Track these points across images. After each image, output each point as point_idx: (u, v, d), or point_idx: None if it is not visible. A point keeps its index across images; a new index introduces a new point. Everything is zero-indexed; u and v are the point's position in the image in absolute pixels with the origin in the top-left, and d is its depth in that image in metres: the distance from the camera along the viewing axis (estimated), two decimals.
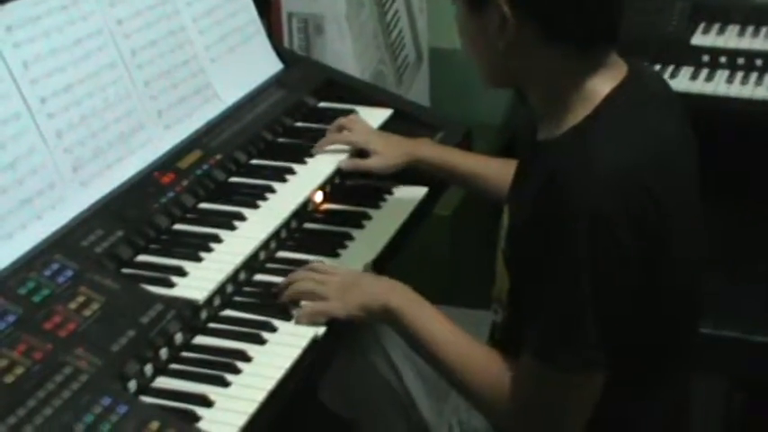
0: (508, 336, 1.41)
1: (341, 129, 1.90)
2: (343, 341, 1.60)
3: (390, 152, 1.83)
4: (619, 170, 1.22)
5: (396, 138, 1.88)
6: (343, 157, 1.85)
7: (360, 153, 1.86)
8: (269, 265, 1.64)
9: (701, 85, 2.37)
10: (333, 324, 1.49)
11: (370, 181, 1.87)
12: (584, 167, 1.22)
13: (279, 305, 1.52)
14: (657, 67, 2.43)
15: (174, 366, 1.41)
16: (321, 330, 1.48)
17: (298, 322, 1.49)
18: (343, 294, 1.50)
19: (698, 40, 2.46)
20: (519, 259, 1.35)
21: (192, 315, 1.45)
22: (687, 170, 1.34)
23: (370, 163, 1.83)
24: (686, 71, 2.42)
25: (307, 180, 1.79)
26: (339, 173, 1.85)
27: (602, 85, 1.30)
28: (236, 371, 1.39)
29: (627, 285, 1.24)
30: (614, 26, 1.30)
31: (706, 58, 2.44)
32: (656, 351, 1.33)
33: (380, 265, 1.68)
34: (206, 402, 1.33)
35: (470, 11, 1.32)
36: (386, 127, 2.01)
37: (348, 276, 1.55)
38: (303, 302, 1.51)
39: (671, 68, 2.43)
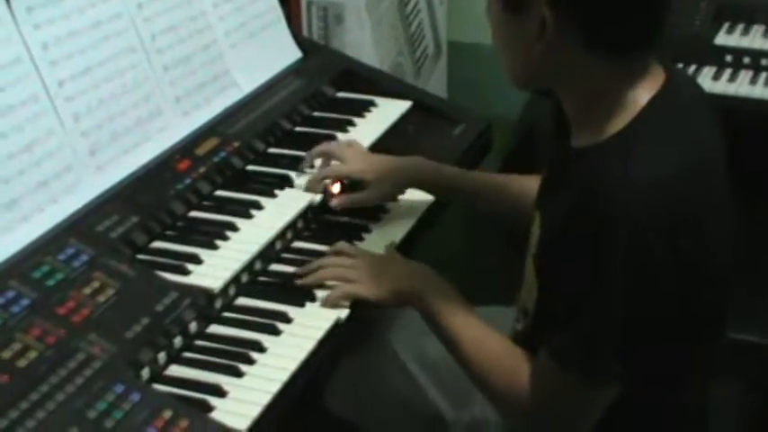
0: (529, 346, 1.38)
1: (328, 156, 1.75)
2: (355, 342, 1.59)
3: (384, 183, 1.72)
4: (661, 181, 1.19)
5: (388, 163, 1.74)
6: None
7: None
8: (285, 255, 1.62)
9: (723, 86, 2.34)
10: (349, 316, 1.48)
11: None
12: (626, 178, 1.19)
13: (295, 293, 1.50)
14: (679, 66, 2.40)
15: (187, 355, 1.39)
16: (344, 314, 1.47)
17: (324, 304, 1.48)
18: (374, 278, 1.50)
19: (721, 39, 2.43)
20: (552, 266, 1.31)
21: (206, 304, 1.44)
22: (723, 175, 1.32)
23: (364, 198, 1.71)
24: (708, 71, 2.39)
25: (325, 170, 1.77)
26: None
27: (641, 91, 1.26)
28: (250, 361, 1.37)
29: (660, 297, 1.22)
30: (657, 32, 1.26)
31: (729, 58, 2.41)
32: (679, 357, 1.31)
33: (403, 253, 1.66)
34: (219, 392, 1.32)
35: (508, 11, 1.27)
36: (405, 119, 1.99)
37: (377, 259, 1.55)
38: (332, 284, 1.51)
39: (693, 68, 2.41)
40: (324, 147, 1.77)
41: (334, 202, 1.70)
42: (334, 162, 1.74)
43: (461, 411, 1.62)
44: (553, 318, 1.29)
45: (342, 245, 1.59)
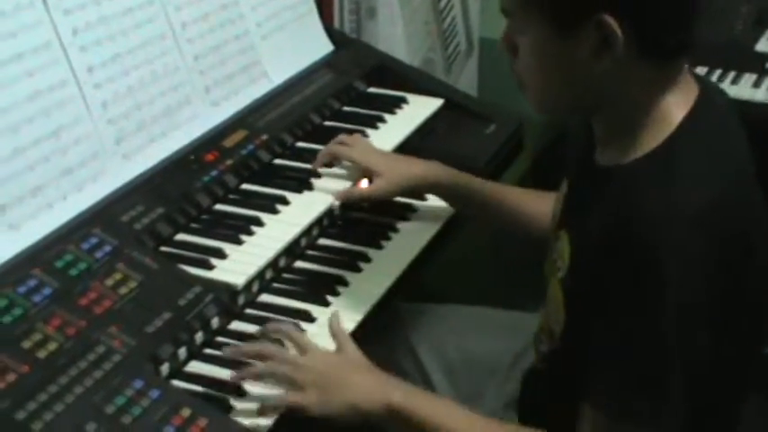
0: (557, 369, 1.32)
1: (337, 155, 1.72)
2: (374, 335, 1.55)
3: (393, 175, 1.64)
4: (706, 206, 1.13)
5: (402, 158, 1.70)
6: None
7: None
8: (310, 252, 1.60)
9: (763, 94, 2.28)
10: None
11: None
12: (670, 203, 1.12)
13: (319, 292, 1.47)
14: (718, 72, 2.35)
15: (208, 351, 1.37)
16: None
17: (259, 412, 1.26)
18: (324, 388, 1.27)
19: (763, 46, 2.38)
20: (586, 293, 1.21)
21: (229, 300, 1.41)
22: (757, 187, 1.26)
23: (367, 190, 1.65)
24: (748, 78, 2.34)
25: (351, 169, 1.74)
26: None
27: (676, 106, 1.20)
28: None
29: (713, 327, 1.16)
30: (695, 35, 1.20)
31: None
32: (726, 383, 1.26)
33: (426, 258, 1.63)
34: (239, 392, 1.29)
35: (554, 34, 1.17)
36: (436, 117, 1.96)
37: (330, 364, 1.31)
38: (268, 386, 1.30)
39: (732, 75, 2.35)
40: (332, 144, 1.73)
41: (336, 197, 1.64)
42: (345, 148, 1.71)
43: (475, 408, 1.58)
44: (585, 343, 1.21)
45: (288, 329, 1.36)
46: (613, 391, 1.18)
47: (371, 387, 1.29)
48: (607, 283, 1.16)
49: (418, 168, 1.68)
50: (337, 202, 1.65)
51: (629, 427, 1.17)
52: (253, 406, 1.27)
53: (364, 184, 1.69)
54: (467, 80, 2.78)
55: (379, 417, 1.28)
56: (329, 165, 1.72)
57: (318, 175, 1.70)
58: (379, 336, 1.62)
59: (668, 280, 1.11)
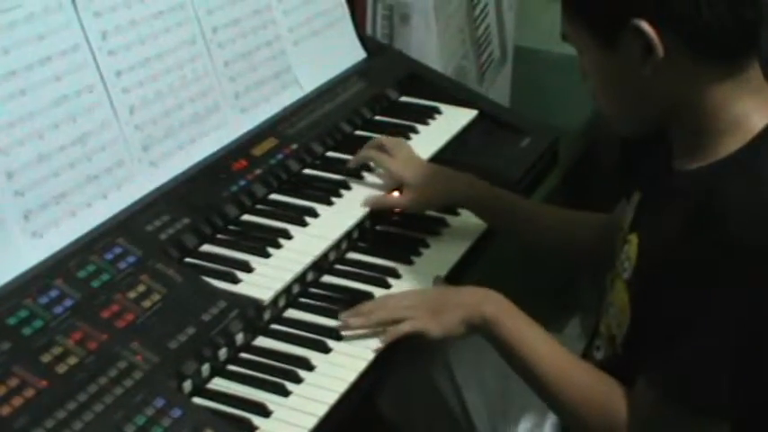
0: (616, 377, 1.29)
1: (381, 148, 1.71)
2: (411, 349, 1.51)
3: (425, 189, 1.62)
4: None
5: (438, 171, 1.66)
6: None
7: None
8: (338, 267, 1.55)
9: None
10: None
11: None
12: (758, 206, 1.12)
13: (346, 309, 1.43)
14: None
15: (231, 368, 1.33)
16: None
17: (382, 342, 1.37)
18: (432, 312, 1.38)
19: None
20: (654, 291, 1.22)
21: (255, 315, 1.37)
22: None
23: (398, 201, 1.63)
24: None
25: (385, 178, 1.70)
26: None
27: (755, 110, 1.19)
28: (298, 380, 1.31)
29: None
30: (757, 32, 1.18)
31: None
32: None
33: (457, 275, 1.59)
34: (263, 412, 1.25)
35: (602, 47, 1.19)
36: (469, 129, 1.92)
37: (429, 293, 1.43)
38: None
39: None
40: (372, 148, 1.70)
41: (369, 203, 1.61)
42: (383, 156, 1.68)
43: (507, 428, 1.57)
44: (650, 345, 1.21)
45: (380, 297, 1.46)
46: (671, 375, 1.18)
47: (470, 300, 1.38)
48: (680, 278, 1.16)
49: (452, 183, 1.65)
50: (367, 209, 1.61)
51: (677, 410, 1.18)
52: (277, 427, 1.23)
53: (397, 194, 1.66)
54: (500, 89, 2.73)
55: (479, 329, 1.37)
56: (366, 167, 1.69)
57: (349, 187, 1.66)
58: (418, 350, 1.58)
59: (747, 273, 1.12)
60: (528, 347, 1.33)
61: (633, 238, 1.29)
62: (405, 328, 1.37)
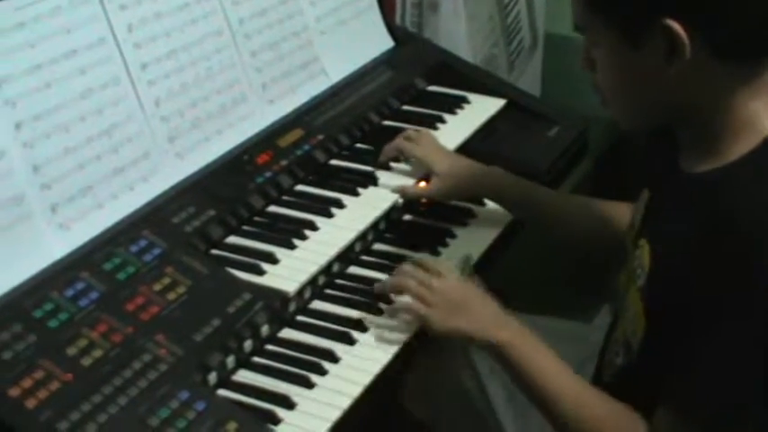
0: (635, 383, 1.28)
1: (408, 138, 1.71)
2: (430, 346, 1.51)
3: (450, 177, 1.63)
4: None
5: (464, 162, 1.66)
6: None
7: None
8: (364, 258, 1.55)
9: None
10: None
11: None
12: None
13: (372, 300, 1.43)
14: None
15: (256, 360, 1.33)
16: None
17: (389, 314, 1.40)
18: (448, 310, 1.37)
19: None
20: (669, 299, 1.19)
21: (280, 307, 1.37)
22: None
23: (425, 190, 1.64)
24: None
25: (413, 166, 1.68)
26: None
27: (765, 109, 1.16)
28: (322, 372, 1.31)
29: None
30: None
31: None
32: None
33: (484, 265, 1.58)
34: (288, 404, 1.25)
35: (625, 44, 1.15)
36: (497, 118, 1.90)
37: (458, 291, 1.40)
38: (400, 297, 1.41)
39: None
40: (399, 139, 1.70)
41: (395, 191, 1.62)
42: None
43: (529, 424, 1.53)
44: (666, 354, 1.18)
45: (423, 260, 1.46)
46: (695, 398, 1.16)
47: (486, 321, 1.36)
48: (699, 288, 1.14)
49: (478, 173, 1.64)
50: (393, 200, 1.61)
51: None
52: (301, 420, 1.23)
53: (424, 184, 1.65)
54: (530, 77, 2.71)
55: (482, 347, 1.38)
56: (396, 160, 1.69)
57: (375, 178, 1.65)
58: (438, 346, 1.58)
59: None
60: (543, 377, 1.30)
61: (644, 244, 1.27)
62: (413, 314, 1.38)
